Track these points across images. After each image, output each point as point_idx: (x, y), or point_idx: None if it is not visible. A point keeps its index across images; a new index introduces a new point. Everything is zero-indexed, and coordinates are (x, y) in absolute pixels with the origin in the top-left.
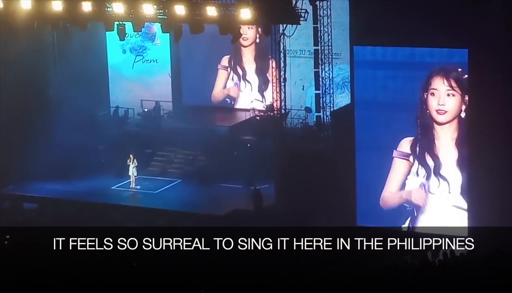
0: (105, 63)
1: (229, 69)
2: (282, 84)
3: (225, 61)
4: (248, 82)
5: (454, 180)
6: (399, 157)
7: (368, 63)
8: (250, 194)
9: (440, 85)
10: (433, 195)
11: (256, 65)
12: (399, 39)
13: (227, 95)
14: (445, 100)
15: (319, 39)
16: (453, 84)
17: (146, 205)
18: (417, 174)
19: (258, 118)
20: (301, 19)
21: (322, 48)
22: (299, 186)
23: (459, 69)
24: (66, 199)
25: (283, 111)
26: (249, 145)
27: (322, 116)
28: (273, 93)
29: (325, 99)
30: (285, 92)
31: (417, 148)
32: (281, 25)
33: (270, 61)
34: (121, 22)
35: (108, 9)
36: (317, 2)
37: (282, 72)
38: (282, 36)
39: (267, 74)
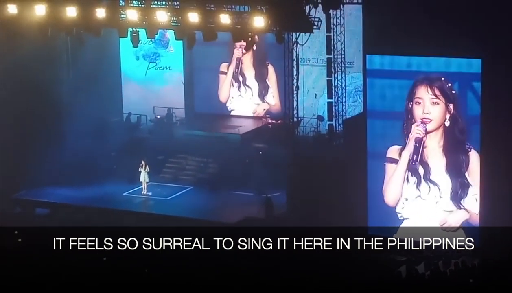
0: (118, 69)
1: (227, 74)
2: (295, 92)
3: (224, 67)
4: (249, 87)
5: (444, 186)
6: (389, 162)
7: (380, 72)
8: (261, 202)
9: (424, 93)
10: (424, 200)
11: (255, 71)
12: (413, 48)
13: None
14: (429, 108)
15: (332, 47)
16: (437, 92)
17: (157, 212)
18: (408, 181)
19: (270, 126)
20: (314, 27)
21: (335, 56)
22: (311, 195)
23: (442, 78)
24: (77, 204)
25: (295, 119)
26: (261, 153)
27: (334, 124)
28: (285, 101)
29: (338, 107)
30: (297, 100)
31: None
32: (294, 33)
33: (269, 67)
34: (134, 29)
35: (122, 16)
36: (331, 11)
37: (295, 80)
38: (295, 44)
39: (266, 80)
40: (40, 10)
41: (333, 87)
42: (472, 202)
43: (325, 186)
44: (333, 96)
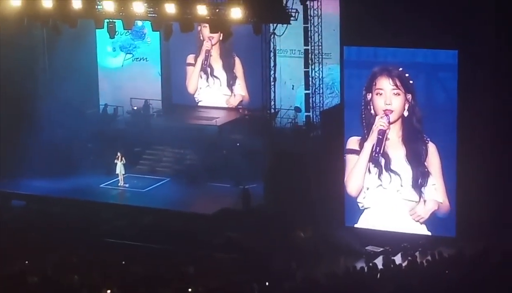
0: (95, 60)
1: (196, 66)
2: (272, 83)
3: (190, 59)
4: (217, 78)
5: (405, 175)
6: (349, 154)
7: (358, 63)
8: (238, 193)
9: (386, 84)
10: (385, 189)
11: (222, 62)
12: (390, 40)
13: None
14: (391, 99)
15: (309, 39)
16: (398, 83)
17: (134, 204)
18: (369, 171)
19: (247, 117)
20: (292, 18)
21: (312, 48)
22: (288, 186)
23: (400, 69)
24: (54, 196)
25: (272, 110)
26: (238, 144)
27: (311, 116)
28: (262, 92)
29: (315, 98)
30: (274, 92)
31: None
32: (271, 25)
33: (235, 59)
34: (111, 20)
35: (98, 7)
36: (308, 2)
37: (272, 72)
38: (272, 36)
39: (234, 70)
40: (16, 1)
41: (310, 78)
42: (431, 191)
43: (302, 177)
44: (310, 87)
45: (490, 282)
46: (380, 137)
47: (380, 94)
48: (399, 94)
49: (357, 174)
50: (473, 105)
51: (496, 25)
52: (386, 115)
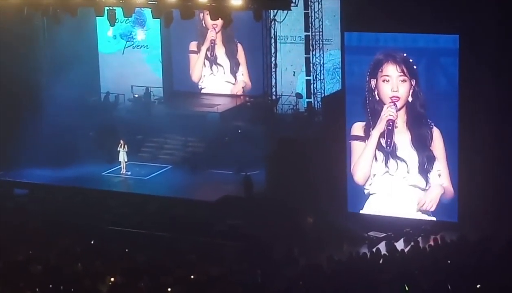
0: (95, 48)
1: (198, 53)
2: (273, 70)
3: (193, 46)
4: (220, 65)
5: (411, 160)
6: (354, 140)
7: (358, 49)
8: (240, 180)
9: (392, 71)
10: (392, 176)
11: (225, 48)
12: (391, 25)
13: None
14: (398, 86)
15: (310, 25)
16: (404, 69)
17: (136, 191)
18: (376, 159)
19: (249, 104)
20: (292, 4)
21: (313, 34)
22: (290, 172)
23: (404, 54)
24: (57, 185)
25: (274, 97)
26: (240, 131)
27: (313, 102)
28: (264, 79)
29: (316, 85)
30: (275, 78)
31: (370, 133)
32: (272, 11)
33: (238, 45)
34: (111, 8)
35: None
36: None
37: (273, 58)
38: (272, 22)
39: (237, 57)
40: None
41: (311, 65)
42: (436, 176)
43: (304, 163)
44: (312, 74)
45: (493, 268)
46: (390, 128)
47: (387, 81)
48: (405, 81)
49: (365, 162)
50: (474, 90)
51: (498, 9)
52: (394, 103)
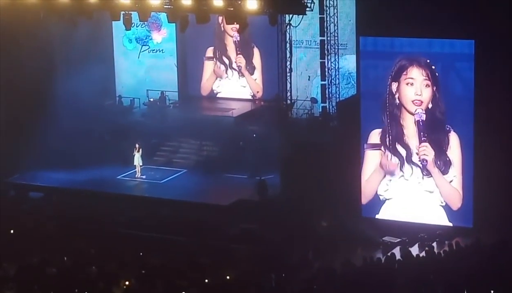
0: (111, 52)
1: (214, 59)
2: (288, 74)
3: (210, 52)
4: (235, 70)
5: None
6: (370, 149)
7: (374, 54)
8: (255, 184)
9: (417, 75)
10: (407, 181)
11: (242, 53)
12: (406, 30)
13: (215, 84)
14: (422, 90)
15: (325, 29)
16: (429, 74)
17: (151, 195)
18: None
19: (263, 108)
20: (308, 9)
21: (328, 38)
22: (304, 177)
23: (428, 60)
24: (71, 188)
25: (288, 101)
26: (254, 135)
27: (328, 106)
28: (279, 83)
29: (331, 89)
30: (290, 83)
31: (387, 139)
32: (287, 15)
33: (254, 49)
34: (127, 12)
35: None
36: None
37: (288, 63)
38: (288, 27)
39: (253, 60)
40: None
41: (326, 69)
42: (453, 181)
43: (319, 168)
44: (327, 78)
45: (509, 272)
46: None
47: (411, 84)
48: (428, 86)
49: (376, 166)
50: (490, 95)
51: None
52: (416, 105)
